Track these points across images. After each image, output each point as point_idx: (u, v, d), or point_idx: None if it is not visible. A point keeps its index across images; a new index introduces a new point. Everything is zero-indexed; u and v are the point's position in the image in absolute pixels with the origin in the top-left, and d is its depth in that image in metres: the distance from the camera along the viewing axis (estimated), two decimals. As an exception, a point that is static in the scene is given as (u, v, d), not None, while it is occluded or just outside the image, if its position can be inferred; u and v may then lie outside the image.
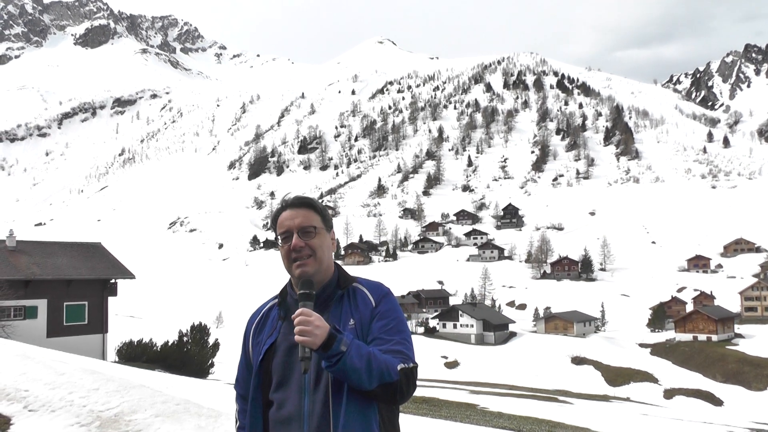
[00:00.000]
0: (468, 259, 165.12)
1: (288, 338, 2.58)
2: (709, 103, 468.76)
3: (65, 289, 28.28)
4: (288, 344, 2.58)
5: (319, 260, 2.65)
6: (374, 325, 2.59)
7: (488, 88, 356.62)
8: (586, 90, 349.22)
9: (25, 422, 7.04)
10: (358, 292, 2.69)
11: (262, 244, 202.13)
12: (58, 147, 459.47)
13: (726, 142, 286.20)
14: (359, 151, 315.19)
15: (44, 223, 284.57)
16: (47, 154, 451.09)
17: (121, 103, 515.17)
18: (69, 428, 6.62)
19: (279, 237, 2.71)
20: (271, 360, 2.62)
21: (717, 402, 61.63)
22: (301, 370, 2.39)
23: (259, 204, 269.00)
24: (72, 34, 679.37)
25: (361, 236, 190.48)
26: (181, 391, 9.19)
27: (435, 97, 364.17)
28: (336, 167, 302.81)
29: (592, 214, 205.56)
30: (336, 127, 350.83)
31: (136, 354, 27.95)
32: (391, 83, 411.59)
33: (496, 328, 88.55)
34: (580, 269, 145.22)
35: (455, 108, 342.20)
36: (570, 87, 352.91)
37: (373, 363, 2.38)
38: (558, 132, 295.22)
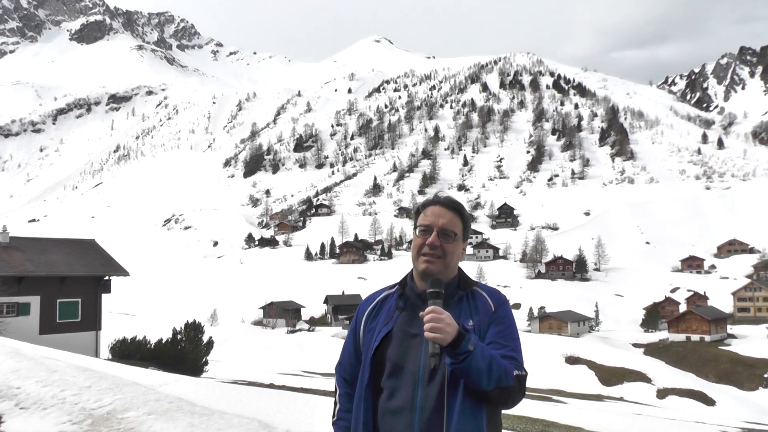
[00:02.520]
0: (463, 259, 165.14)
1: (404, 329, 2.66)
2: (704, 105, 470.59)
3: (58, 286, 28.11)
4: (404, 334, 2.65)
5: (446, 264, 2.74)
6: (491, 329, 2.65)
7: (484, 87, 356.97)
8: (581, 90, 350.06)
9: (17, 420, 6.98)
10: (477, 295, 2.77)
11: (257, 242, 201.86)
12: (53, 143, 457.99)
13: (720, 144, 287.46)
14: (355, 150, 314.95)
15: (38, 220, 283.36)
16: (41, 150, 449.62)
17: (117, 100, 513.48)
18: (61, 426, 6.57)
19: (417, 228, 2.79)
20: (385, 348, 2.66)
21: (709, 402, 61.85)
22: (429, 365, 2.46)
23: (255, 202, 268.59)
24: (67, 30, 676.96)
25: (356, 235, 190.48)
26: (174, 389, 9.15)
27: (431, 97, 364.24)
28: (332, 166, 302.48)
29: (587, 214, 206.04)
30: (332, 126, 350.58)
31: (129, 352, 27.84)
32: (387, 82, 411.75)
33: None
34: (574, 269, 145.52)
35: (451, 107, 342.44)
36: (566, 87, 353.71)
37: (494, 366, 2.45)
38: (554, 132, 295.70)
